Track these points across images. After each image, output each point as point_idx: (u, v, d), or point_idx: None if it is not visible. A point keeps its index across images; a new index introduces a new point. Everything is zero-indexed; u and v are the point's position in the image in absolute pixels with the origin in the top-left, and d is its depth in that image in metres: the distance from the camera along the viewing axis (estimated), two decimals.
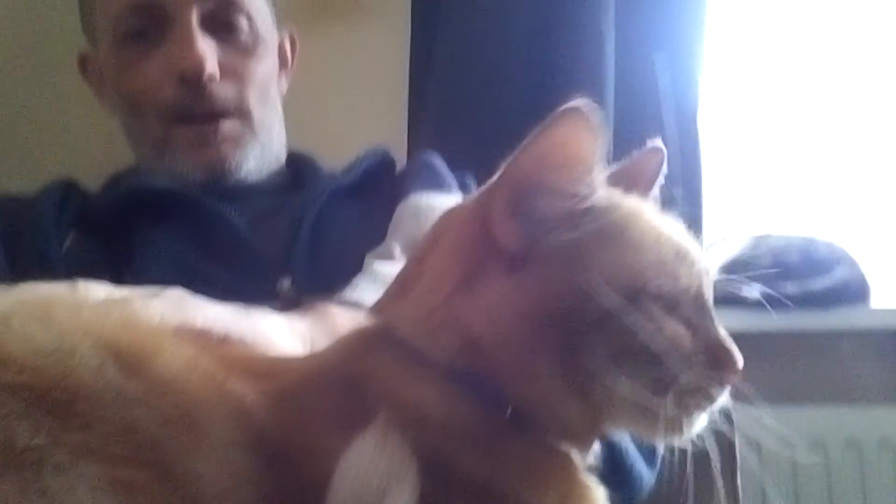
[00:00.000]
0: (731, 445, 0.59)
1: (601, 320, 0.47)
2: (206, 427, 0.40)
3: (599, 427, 0.51)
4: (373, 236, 0.96)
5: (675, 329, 0.49)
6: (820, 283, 1.49)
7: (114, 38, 1.02)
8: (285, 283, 0.88)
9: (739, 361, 0.51)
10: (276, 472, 0.43)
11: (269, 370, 0.52)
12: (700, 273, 0.52)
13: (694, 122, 1.50)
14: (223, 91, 1.01)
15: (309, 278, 0.91)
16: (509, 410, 0.48)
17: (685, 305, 0.50)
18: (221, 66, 1.01)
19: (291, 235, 0.96)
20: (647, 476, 0.80)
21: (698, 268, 0.52)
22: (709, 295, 0.53)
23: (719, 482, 0.54)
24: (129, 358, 0.39)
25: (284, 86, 1.16)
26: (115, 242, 0.94)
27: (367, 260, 0.91)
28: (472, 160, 1.11)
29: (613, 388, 0.47)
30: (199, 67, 0.98)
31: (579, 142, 0.48)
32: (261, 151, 1.06)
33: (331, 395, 0.49)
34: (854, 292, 1.50)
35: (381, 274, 0.87)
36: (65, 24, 1.37)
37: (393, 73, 1.65)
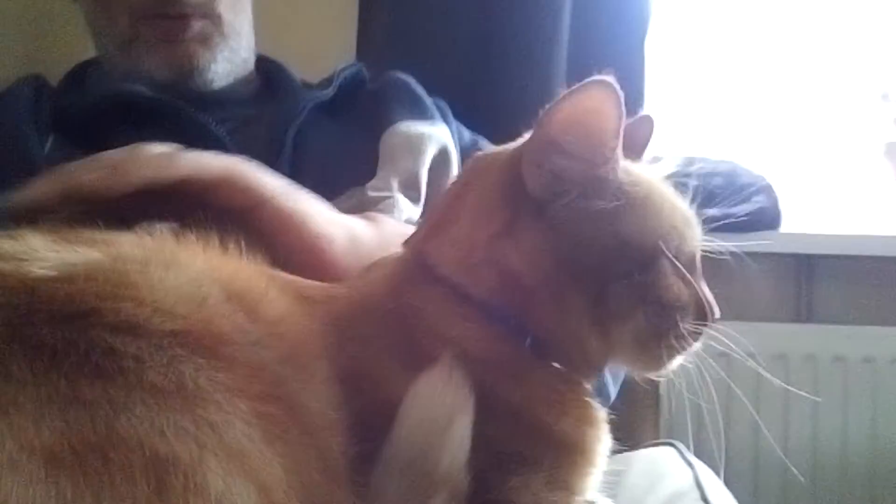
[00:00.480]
0: None
1: (629, 273, 0.56)
2: (312, 366, 0.47)
3: (608, 361, 0.60)
4: (354, 156, 0.98)
5: (678, 285, 0.58)
6: (740, 210, 1.63)
7: None
8: None
9: (717, 313, 0.62)
10: (353, 400, 0.50)
11: (322, 297, 0.58)
12: (698, 236, 0.62)
13: (641, 44, 1.56)
14: None
15: None
16: (529, 341, 0.57)
17: (685, 264, 0.60)
18: None
19: (274, 151, 0.97)
20: (613, 397, 0.91)
21: (696, 232, 0.62)
22: (699, 256, 0.63)
23: None
24: (247, 301, 0.45)
25: None
26: (95, 147, 0.94)
27: (367, 191, 0.94)
28: (420, 77, 1.15)
29: (628, 330, 0.57)
30: None
31: (601, 113, 0.55)
32: (230, 55, 1.06)
33: (385, 328, 0.56)
34: (769, 219, 1.65)
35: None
36: None
37: None
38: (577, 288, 0.56)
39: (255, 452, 0.39)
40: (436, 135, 1.01)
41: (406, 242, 0.63)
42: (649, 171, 0.62)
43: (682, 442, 1.17)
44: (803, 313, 1.73)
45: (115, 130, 0.94)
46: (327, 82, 1.10)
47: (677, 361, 0.61)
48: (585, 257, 0.56)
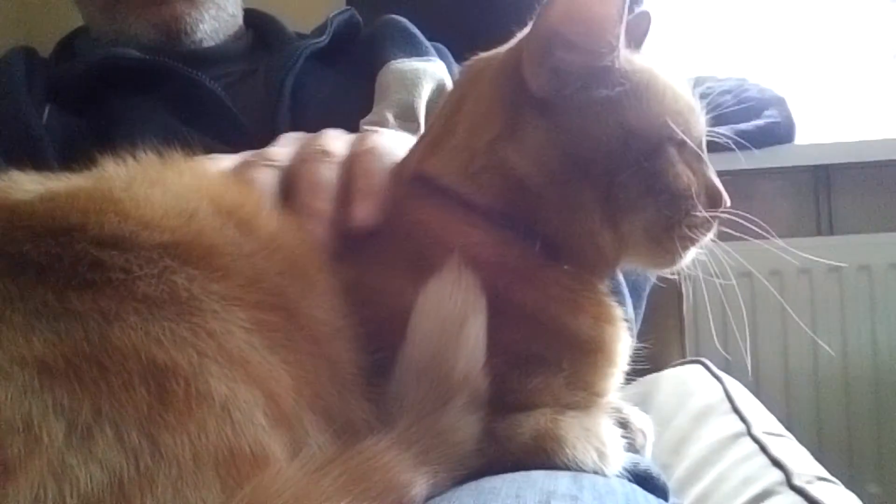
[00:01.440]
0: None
1: (636, 162, 0.54)
2: (312, 276, 0.45)
3: (621, 258, 0.58)
4: (352, 100, 0.97)
5: (686, 173, 0.56)
6: (751, 125, 1.60)
7: None
8: None
9: (728, 201, 0.59)
10: (359, 311, 0.49)
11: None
12: (702, 124, 0.60)
13: None
14: None
15: None
16: (538, 244, 0.55)
17: (690, 151, 0.58)
18: None
19: (272, 101, 0.95)
20: (632, 310, 0.90)
21: (701, 119, 0.60)
22: (704, 143, 0.61)
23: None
24: (239, 217, 0.43)
25: None
26: (91, 114, 0.93)
27: (361, 126, 0.93)
28: (412, 20, 1.12)
29: (639, 221, 0.55)
30: None
31: (610, 2, 0.52)
32: (216, 12, 1.03)
33: (389, 246, 0.55)
34: (782, 132, 1.61)
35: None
36: None
37: None
38: (585, 183, 0.54)
39: (258, 360, 0.38)
40: (430, 69, 0.99)
41: (402, 163, 0.61)
42: (651, 59, 0.59)
43: (709, 360, 1.17)
44: (824, 225, 1.71)
45: (110, 95, 0.93)
46: (321, 30, 1.08)
47: (691, 255, 0.59)
48: (592, 150, 0.53)
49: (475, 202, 0.55)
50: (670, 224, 0.56)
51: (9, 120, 0.89)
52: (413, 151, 0.62)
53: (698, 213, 0.57)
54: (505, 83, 0.55)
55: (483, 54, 0.62)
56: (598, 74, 0.54)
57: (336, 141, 0.65)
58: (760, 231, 0.63)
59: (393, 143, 0.65)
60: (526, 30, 0.55)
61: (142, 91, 0.94)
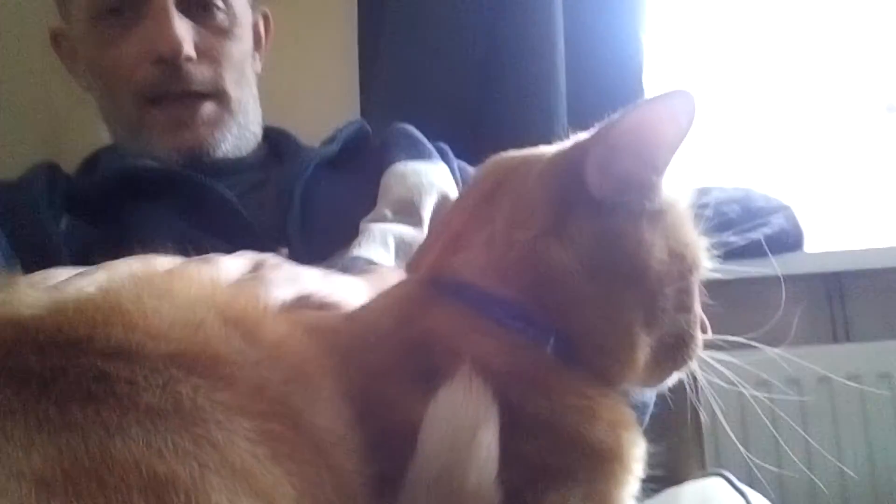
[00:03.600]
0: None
1: (679, 278, 0.56)
2: (318, 383, 0.44)
3: (645, 367, 0.57)
4: (361, 204, 1.00)
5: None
6: (759, 233, 1.60)
7: (89, 15, 1.02)
8: (283, 253, 0.92)
9: (710, 333, 0.63)
10: (366, 422, 0.48)
11: (325, 326, 0.56)
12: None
13: (639, 80, 1.57)
14: (199, 72, 1.02)
15: (303, 246, 0.94)
16: (552, 341, 0.54)
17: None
18: (197, 48, 1.02)
19: (283, 207, 0.98)
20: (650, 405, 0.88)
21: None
22: None
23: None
24: (244, 327, 0.43)
25: (259, 65, 1.17)
26: (108, 223, 0.95)
27: (362, 225, 0.95)
28: (422, 127, 1.16)
29: (667, 334, 0.56)
30: (176, 49, 0.98)
31: (679, 122, 0.54)
32: (238, 130, 1.08)
33: (396, 355, 0.54)
34: (790, 240, 1.62)
35: (379, 232, 0.91)
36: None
37: (344, 41, 1.67)
38: (632, 286, 0.55)
39: (261, 471, 0.37)
40: (432, 170, 1.02)
41: (411, 265, 0.61)
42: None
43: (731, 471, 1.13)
44: (840, 333, 1.68)
45: (127, 205, 0.97)
46: (331, 140, 1.11)
47: (678, 375, 0.61)
48: (643, 257, 0.55)
49: (495, 296, 0.55)
50: (686, 342, 0.58)
51: (27, 229, 0.92)
52: (427, 248, 0.62)
53: (700, 337, 0.60)
54: (557, 182, 0.56)
55: (513, 152, 0.63)
56: (650, 189, 0.56)
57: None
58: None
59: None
60: (588, 134, 0.57)
61: (157, 199, 0.97)
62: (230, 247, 0.92)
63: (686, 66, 1.77)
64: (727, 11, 1.79)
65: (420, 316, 0.55)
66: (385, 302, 0.60)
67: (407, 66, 1.57)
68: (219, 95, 1.05)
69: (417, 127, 1.15)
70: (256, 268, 0.63)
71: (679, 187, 0.60)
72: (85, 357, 0.37)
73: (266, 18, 1.20)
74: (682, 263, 0.56)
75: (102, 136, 1.15)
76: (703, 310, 0.62)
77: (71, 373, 0.36)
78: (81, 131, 1.41)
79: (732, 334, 0.64)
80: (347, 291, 0.65)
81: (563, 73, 1.53)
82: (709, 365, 0.62)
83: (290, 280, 0.61)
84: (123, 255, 0.86)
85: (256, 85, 1.15)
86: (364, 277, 0.72)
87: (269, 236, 0.95)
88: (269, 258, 0.66)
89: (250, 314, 0.45)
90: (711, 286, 0.63)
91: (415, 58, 1.56)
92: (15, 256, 0.88)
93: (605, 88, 1.54)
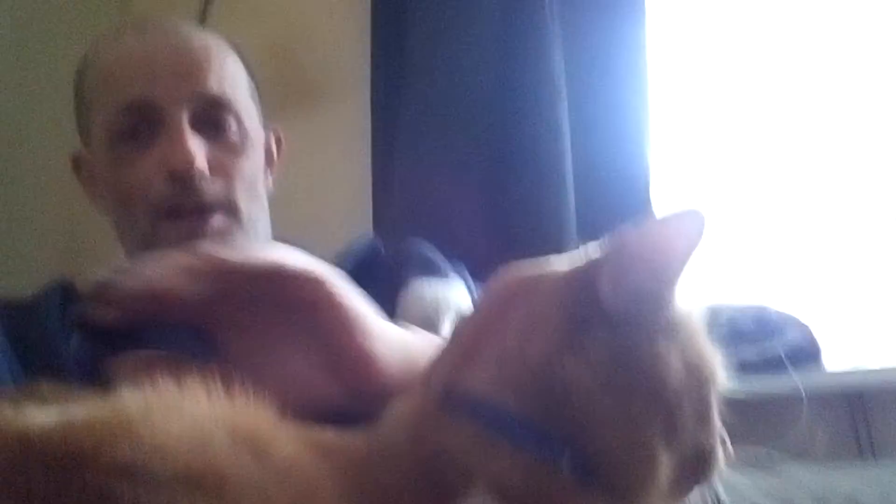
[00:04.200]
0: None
1: (697, 391, 0.55)
2: None
3: (664, 486, 0.55)
4: None
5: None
6: (774, 349, 1.58)
7: (108, 137, 1.05)
8: None
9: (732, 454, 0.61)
10: None
11: (336, 445, 0.55)
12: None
13: (646, 194, 1.60)
14: (212, 187, 1.04)
15: None
16: (566, 460, 0.52)
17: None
18: (210, 164, 1.04)
19: None
20: None
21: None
22: None
23: None
24: (254, 444, 0.42)
25: (271, 181, 1.19)
26: (116, 341, 0.95)
27: None
28: (433, 243, 1.17)
29: (687, 451, 0.54)
30: (188, 164, 1.01)
31: (691, 239, 0.55)
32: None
33: (408, 475, 0.52)
34: (806, 356, 1.60)
35: None
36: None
37: (356, 157, 1.70)
38: (650, 401, 0.53)
39: None
40: (450, 290, 1.02)
41: (425, 377, 0.60)
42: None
43: None
44: (866, 450, 1.63)
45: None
46: (342, 256, 1.12)
47: (698, 492, 0.59)
48: (661, 370, 0.54)
49: (508, 413, 0.53)
50: (706, 457, 0.57)
51: (37, 347, 0.92)
52: (438, 363, 0.61)
53: (721, 451, 0.58)
54: (570, 297, 0.56)
55: (524, 265, 0.63)
56: (663, 302, 0.56)
57: None
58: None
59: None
60: (602, 249, 0.57)
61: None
62: None
63: (693, 181, 1.79)
64: (733, 124, 1.82)
65: (432, 433, 0.54)
66: (398, 419, 0.58)
67: (418, 182, 1.60)
68: (229, 208, 1.06)
69: (428, 240, 1.16)
70: None
71: (692, 301, 0.60)
72: (88, 474, 0.36)
73: (278, 136, 1.23)
74: (699, 376, 0.56)
75: (118, 256, 1.17)
76: (723, 426, 0.61)
77: (74, 491, 0.35)
78: (98, 249, 1.44)
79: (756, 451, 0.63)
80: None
81: (571, 188, 1.56)
82: (730, 482, 0.60)
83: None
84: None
85: (269, 200, 1.17)
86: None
87: None
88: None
89: (260, 430, 0.44)
90: (729, 402, 0.62)
91: (425, 173, 1.59)
92: (25, 377, 0.88)
93: (613, 203, 1.56)
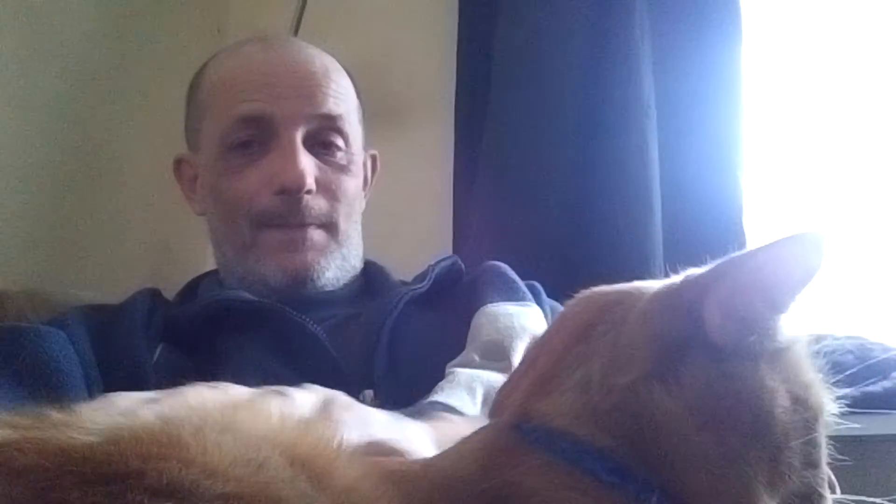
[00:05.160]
0: None
1: (805, 429, 0.50)
2: None
3: None
4: (449, 344, 0.97)
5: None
6: (879, 386, 1.48)
7: (221, 146, 1.09)
8: (368, 395, 0.89)
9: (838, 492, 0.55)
10: None
11: (401, 473, 0.52)
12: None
13: (739, 223, 1.52)
14: (316, 204, 1.07)
15: (389, 387, 0.92)
16: (655, 499, 0.47)
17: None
18: (318, 182, 1.08)
19: (370, 344, 0.98)
20: None
21: None
22: None
23: None
24: (313, 469, 0.39)
25: (364, 203, 1.22)
26: (200, 352, 0.97)
27: (448, 368, 0.92)
28: (513, 264, 1.13)
29: (792, 494, 0.49)
30: (300, 182, 1.04)
31: (810, 265, 0.50)
32: (342, 262, 1.11)
33: None
34: None
35: (465, 378, 0.87)
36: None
37: (438, 177, 1.69)
38: (753, 438, 0.48)
39: None
40: (525, 313, 0.98)
41: (495, 408, 0.56)
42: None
43: None
44: None
45: (219, 335, 0.99)
46: (423, 276, 1.11)
47: None
48: (766, 405, 0.49)
49: (590, 446, 0.49)
50: (812, 503, 0.50)
51: (121, 357, 0.94)
52: (510, 391, 0.57)
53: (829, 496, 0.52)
54: (665, 321, 0.51)
55: (605, 287, 0.58)
56: (772, 329, 0.51)
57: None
58: None
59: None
60: (705, 271, 0.52)
61: (248, 332, 0.98)
62: (315, 383, 0.92)
63: (789, 208, 1.70)
64: (831, 149, 1.73)
65: (504, 466, 0.50)
66: (466, 448, 0.54)
67: (499, 205, 1.57)
68: (329, 225, 1.09)
69: (508, 263, 1.13)
70: (326, 406, 0.60)
71: (797, 328, 0.54)
72: (132, 494, 0.33)
73: (374, 159, 1.25)
74: (806, 411, 0.50)
75: (207, 262, 1.18)
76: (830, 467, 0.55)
77: None
78: (187, 258, 1.46)
79: (864, 495, 0.56)
80: (415, 438, 0.61)
81: (658, 213, 1.50)
82: None
83: (361, 423, 0.58)
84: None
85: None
86: (433, 425, 0.68)
87: (356, 376, 0.95)
88: (340, 396, 0.64)
89: (321, 455, 0.41)
90: (834, 443, 0.56)
91: (507, 192, 1.56)
92: (100, 382, 0.88)
93: (702, 230, 1.49)
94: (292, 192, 1.04)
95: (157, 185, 1.28)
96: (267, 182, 1.05)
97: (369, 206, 1.25)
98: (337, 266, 1.10)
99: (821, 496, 0.51)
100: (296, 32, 1.72)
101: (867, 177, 1.70)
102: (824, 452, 0.52)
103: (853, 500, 0.53)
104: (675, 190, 1.54)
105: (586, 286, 0.60)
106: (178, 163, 1.19)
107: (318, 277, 1.07)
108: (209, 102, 1.12)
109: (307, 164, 1.06)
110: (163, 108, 1.20)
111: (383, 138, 1.63)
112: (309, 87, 1.08)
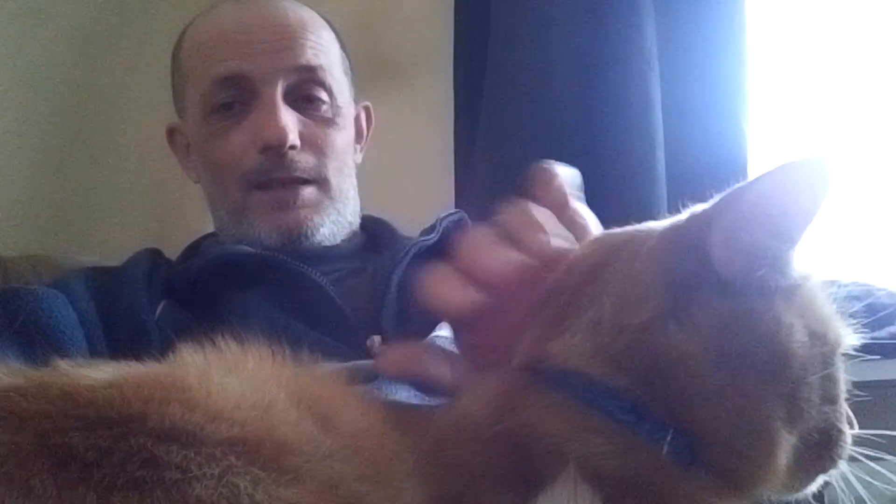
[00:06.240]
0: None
1: (823, 364, 0.48)
2: (397, 485, 0.39)
3: (785, 471, 0.49)
4: None
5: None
6: (884, 332, 1.47)
7: (203, 110, 1.08)
8: (376, 341, 0.88)
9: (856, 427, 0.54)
10: None
11: (414, 417, 0.51)
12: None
13: (744, 176, 1.50)
14: (303, 159, 1.06)
15: (398, 337, 0.91)
16: (669, 438, 0.46)
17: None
18: (302, 137, 1.06)
19: (379, 294, 0.98)
20: None
21: None
22: None
23: None
24: (320, 412, 0.38)
25: (359, 156, 1.20)
26: (203, 309, 0.96)
27: None
28: None
29: (810, 430, 0.48)
30: (281, 137, 1.03)
31: (817, 192, 0.48)
32: (336, 217, 1.10)
33: (491, 453, 0.47)
34: None
35: None
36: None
37: (438, 133, 1.67)
38: (769, 373, 0.47)
39: None
40: None
41: (509, 352, 0.55)
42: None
43: None
44: None
45: (223, 292, 0.98)
46: (430, 230, 1.10)
47: (823, 479, 0.53)
48: (782, 340, 0.47)
49: (604, 386, 0.48)
50: (834, 440, 0.50)
51: (123, 314, 0.94)
52: (523, 335, 0.54)
53: (848, 431, 0.51)
54: (674, 258, 0.50)
55: (615, 230, 0.58)
56: (783, 263, 0.49)
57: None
58: None
59: None
60: (708, 205, 0.50)
61: (252, 286, 0.98)
62: (322, 333, 0.92)
63: (793, 145, 1.68)
64: (838, 103, 1.70)
65: (517, 408, 0.49)
66: (478, 391, 0.53)
67: (501, 159, 1.55)
68: (320, 181, 1.08)
69: None
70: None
71: (811, 263, 0.53)
72: (135, 438, 0.32)
73: (368, 111, 1.23)
74: (824, 345, 0.48)
75: (206, 227, 1.18)
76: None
77: (117, 455, 0.31)
78: (188, 223, 1.45)
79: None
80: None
81: (662, 161, 1.48)
82: (862, 465, 0.53)
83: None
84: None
85: (356, 175, 1.17)
86: None
87: (363, 324, 0.94)
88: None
89: (330, 400, 0.40)
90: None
91: (509, 147, 1.54)
92: (103, 341, 0.88)
93: (705, 168, 1.48)
94: (276, 149, 1.03)
95: (158, 149, 1.27)
96: (251, 142, 1.04)
97: (370, 163, 1.24)
98: (332, 221, 1.08)
99: (840, 431, 0.50)
100: None
101: (873, 121, 1.68)
102: (843, 388, 0.51)
103: (873, 435, 0.52)
104: (679, 143, 1.51)
105: None
106: (171, 132, 1.18)
107: (313, 234, 1.06)
108: (189, 67, 1.10)
109: (288, 119, 1.04)
110: (164, 69, 1.18)
111: (383, 95, 1.61)
112: (284, 41, 1.06)
